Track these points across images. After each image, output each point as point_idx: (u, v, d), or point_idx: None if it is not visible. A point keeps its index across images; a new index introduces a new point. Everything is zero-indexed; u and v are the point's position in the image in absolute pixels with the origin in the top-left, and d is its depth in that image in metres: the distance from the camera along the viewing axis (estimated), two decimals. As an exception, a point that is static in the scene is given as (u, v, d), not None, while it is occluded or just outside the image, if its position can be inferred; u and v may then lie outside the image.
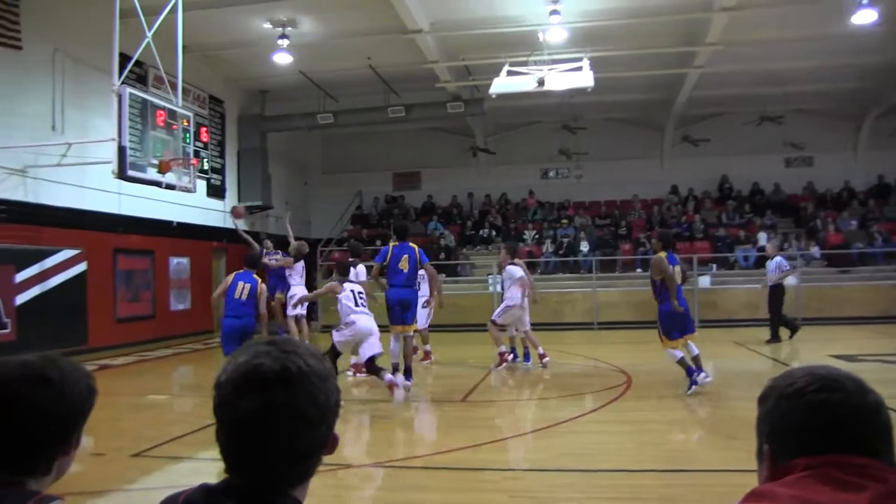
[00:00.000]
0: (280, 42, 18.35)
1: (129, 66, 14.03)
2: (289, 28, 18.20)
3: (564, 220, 26.21)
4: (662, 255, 10.51)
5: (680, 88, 23.18)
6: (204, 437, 7.97)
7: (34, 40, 14.80)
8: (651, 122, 27.42)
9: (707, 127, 26.89)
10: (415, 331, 11.84)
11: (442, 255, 24.15)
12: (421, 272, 11.84)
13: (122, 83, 13.23)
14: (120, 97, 12.89)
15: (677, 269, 10.63)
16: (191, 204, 19.64)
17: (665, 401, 10.19)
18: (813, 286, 20.91)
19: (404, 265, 11.06)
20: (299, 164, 28.72)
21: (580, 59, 17.18)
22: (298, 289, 14.76)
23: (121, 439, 8.19)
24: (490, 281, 22.45)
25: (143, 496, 6.45)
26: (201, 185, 20.38)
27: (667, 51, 20.33)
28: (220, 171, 22.65)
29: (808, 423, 1.60)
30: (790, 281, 17.87)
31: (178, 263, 20.02)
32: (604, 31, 18.53)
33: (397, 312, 10.99)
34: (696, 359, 10.52)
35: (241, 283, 11.15)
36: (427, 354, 14.32)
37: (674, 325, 10.50)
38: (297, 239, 16.29)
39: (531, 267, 23.92)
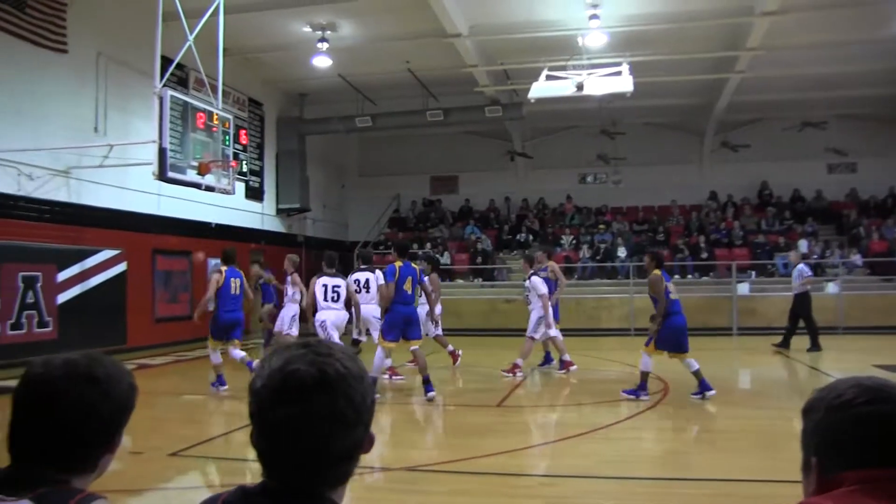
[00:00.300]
0: (319, 45, 18.46)
1: (171, 69, 14.16)
2: (328, 31, 18.30)
3: (602, 226, 26.07)
4: (658, 272, 10.64)
5: (720, 93, 22.95)
6: (240, 438, 8.01)
7: (78, 43, 15.05)
8: (690, 127, 27.19)
9: (747, 132, 26.59)
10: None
11: (479, 260, 24.12)
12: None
13: (164, 86, 13.34)
14: (161, 99, 13.00)
15: (671, 285, 10.76)
16: (229, 206, 19.81)
17: (702, 409, 10.07)
18: (856, 294, 20.57)
19: (408, 286, 11.27)
20: (337, 166, 28.84)
21: (620, 64, 17.06)
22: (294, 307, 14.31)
23: (158, 438, 8.25)
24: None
25: (180, 495, 6.49)
26: (240, 187, 20.52)
27: (707, 55, 20.11)
28: (259, 174, 22.82)
29: (857, 435, 1.56)
30: (832, 289, 17.58)
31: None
32: (644, 35, 18.40)
33: (399, 330, 11.12)
34: (696, 373, 10.56)
35: (233, 280, 11.92)
36: (454, 355, 14.30)
37: (669, 340, 10.55)
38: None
39: (568, 273, 23.92)
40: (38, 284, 14.13)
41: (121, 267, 16.14)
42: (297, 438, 1.43)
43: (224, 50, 14.64)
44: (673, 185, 26.94)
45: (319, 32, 18.30)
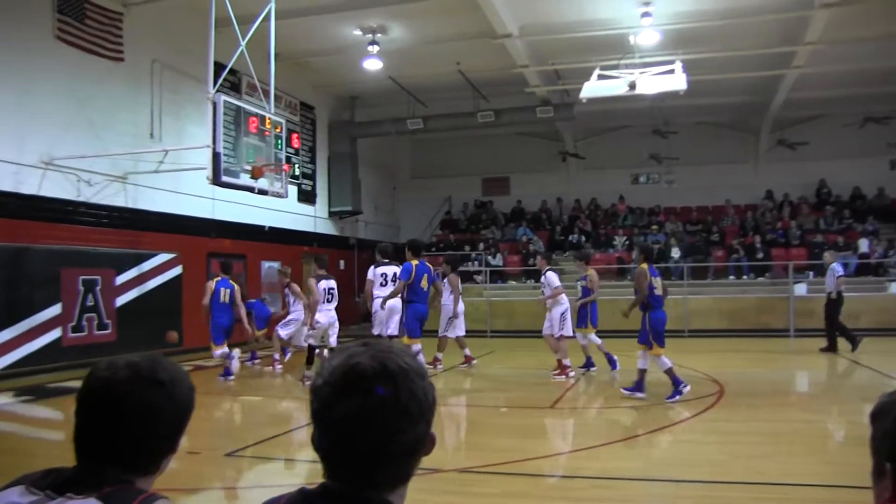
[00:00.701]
0: (370, 48, 18.57)
1: (224, 75, 14.35)
2: (379, 34, 18.39)
3: (655, 226, 25.82)
4: (644, 266, 10.78)
5: (776, 90, 22.59)
6: (295, 439, 8.08)
7: (134, 51, 15.37)
8: (745, 125, 26.80)
9: (805, 130, 26.09)
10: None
11: (531, 262, 24.04)
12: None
13: (217, 91, 13.52)
14: (214, 105, 13.18)
15: (658, 280, 10.85)
16: (282, 209, 20.00)
17: (758, 411, 9.91)
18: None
19: (424, 283, 11.70)
20: (389, 169, 28.98)
21: (672, 62, 16.88)
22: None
23: (215, 439, 8.35)
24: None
25: (237, 495, 6.56)
26: (292, 190, 20.74)
27: (763, 52, 19.75)
28: (311, 177, 23.01)
29: None
30: (895, 289, 17.15)
31: (270, 267, 20.38)
32: (697, 32, 18.16)
33: (418, 326, 11.61)
34: (642, 372, 10.73)
35: (223, 290, 13.03)
36: (469, 359, 14.34)
37: (661, 332, 10.61)
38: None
39: (620, 274, 23.73)
40: (98, 288, 14.44)
41: (176, 270, 16.40)
42: (360, 432, 1.42)
43: (276, 55, 14.79)
44: (727, 185, 26.56)
45: (370, 35, 18.40)
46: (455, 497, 6.22)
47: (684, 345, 18.93)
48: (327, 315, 12.35)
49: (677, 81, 16.57)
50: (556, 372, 12.88)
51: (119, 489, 1.55)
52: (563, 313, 13.16)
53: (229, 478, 7.12)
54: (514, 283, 24.60)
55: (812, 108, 25.30)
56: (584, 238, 25.96)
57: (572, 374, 12.83)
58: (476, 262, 24.70)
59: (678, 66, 16.68)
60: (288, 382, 13.24)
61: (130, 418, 1.60)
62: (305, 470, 6.89)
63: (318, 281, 12.33)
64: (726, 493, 6.12)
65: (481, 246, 25.66)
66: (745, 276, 22.91)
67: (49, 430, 9.50)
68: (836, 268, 16.46)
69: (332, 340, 12.35)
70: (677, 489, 6.29)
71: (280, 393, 12.66)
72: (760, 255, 23.19)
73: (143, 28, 15.62)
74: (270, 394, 12.56)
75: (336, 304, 12.58)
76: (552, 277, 13.42)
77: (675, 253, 23.67)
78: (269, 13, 14.21)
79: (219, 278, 13.13)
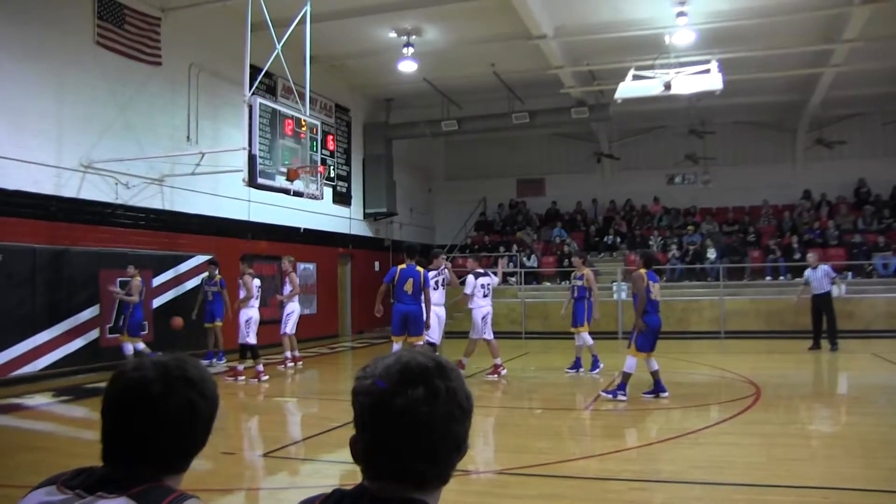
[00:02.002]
0: (405, 50, 18.62)
1: (259, 78, 14.48)
2: (414, 36, 18.44)
3: (691, 227, 25.61)
4: (643, 271, 10.80)
5: (814, 89, 22.33)
6: (329, 440, 8.11)
7: (172, 55, 15.55)
8: (783, 124, 26.52)
9: (843, 128, 25.77)
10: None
11: (566, 263, 23.95)
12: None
13: (253, 94, 13.62)
14: (251, 107, 13.27)
15: (656, 286, 10.87)
16: (317, 211, 20.11)
17: (796, 413, 9.81)
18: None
19: (409, 287, 12.08)
20: (423, 170, 29.04)
21: (708, 62, 16.73)
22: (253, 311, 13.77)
23: (250, 439, 8.42)
24: (614, 288, 22.12)
25: (271, 495, 6.60)
26: (327, 192, 20.84)
27: (801, 50, 19.54)
28: (346, 179, 23.11)
29: None
30: (836, 291, 17.20)
31: (305, 269, 20.49)
32: (733, 31, 18.00)
33: (400, 325, 12.22)
34: (654, 373, 10.74)
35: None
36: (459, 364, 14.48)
37: (649, 339, 10.63)
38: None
39: (658, 274, 23.53)
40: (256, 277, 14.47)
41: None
42: (423, 421, 1.46)
43: (311, 57, 14.87)
44: (764, 185, 26.32)
45: (405, 37, 18.45)
46: (492, 499, 6.21)
47: (721, 346, 18.80)
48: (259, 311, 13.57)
49: (713, 81, 16.43)
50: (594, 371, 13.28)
51: (149, 488, 1.57)
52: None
53: (264, 478, 7.16)
54: (548, 284, 24.52)
55: (850, 107, 24.98)
56: (619, 239, 25.84)
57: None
58: (511, 264, 24.64)
59: (714, 65, 16.53)
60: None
61: (166, 418, 1.61)
62: (338, 471, 6.92)
63: (253, 279, 13.56)
64: (766, 497, 6.06)
65: (515, 247, 25.61)
66: (782, 277, 22.66)
67: (86, 430, 9.62)
68: (830, 269, 17.01)
69: None
70: (716, 492, 6.24)
71: (315, 395, 12.74)
72: (798, 256, 22.93)
73: (181, 32, 15.80)
74: (306, 396, 12.63)
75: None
76: (591, 276, 13.64)
77: (712, 254, 23.46)
78: (304, 16, 14.29)
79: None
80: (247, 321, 13.35)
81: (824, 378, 13.88)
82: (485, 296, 13.38)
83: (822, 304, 16.74)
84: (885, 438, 8.25)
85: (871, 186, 25.82)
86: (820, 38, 18.84)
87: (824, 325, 16.72)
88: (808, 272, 17.02)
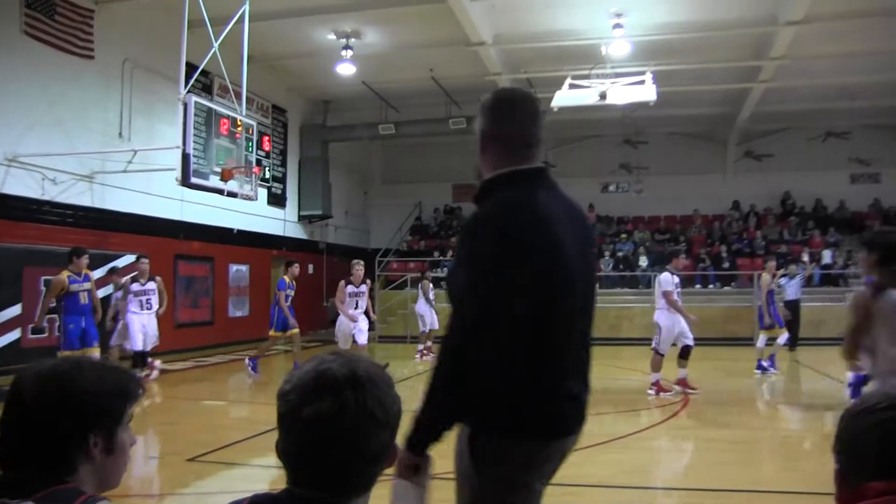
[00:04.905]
0: (344, 53, 18.53)
1: (196, 76, 14.26)
2: (353, 39, 18.36)
3: (623, 235, 25.97)
4: None
5: (744, 103, 22.86)
6: (259, 444, 8.02)
7: (105, 49, 15.22)
8: (714, 136, 27.07)
9: (771, 142, 26.44)
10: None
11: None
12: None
13: (188, 92, 13.44)
14: (185, 105, 13.09)
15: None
16: (251, 212, 19.89)
17: (723, 418, 10.01)
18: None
19: None
20: (360, 173, 28.92)
21: (643, 73, 17.02)
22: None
23: (177, 444, 8.28)
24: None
25: (198, 500, 6.50)
26: (262, 193, 20.63)
27: (731, 65, 20.02)
28: (282, 180, 22.91)
29: (880, 443, 1.50)
30: (790, 294, 18.03)
31: (238, 271, 20.26)
32: (667, 44, 18.31)
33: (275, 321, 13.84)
34: None
35: None
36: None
37: None
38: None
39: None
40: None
41: (143, 271, 16.21)
42: (328, 434, 1.46)
43: (249, 57, 14.74)
44: (695, 195, 26.82)
45: (344, 40, 18.36)
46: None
47: (651, 353, 19.03)
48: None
49: (647, 92, 16.71)
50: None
51: (55, 491, 1.53)
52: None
53: (190, 483, 7.05)
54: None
55: (778, 122, 25.63)
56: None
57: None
58: (445, 269, 24.67)
59: (648, 77, 16.82)
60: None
61: (41, 414, 1.59)
62: (268, 475, 6.85)
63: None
64: (695, 500, 6.17)
65: (450, 253, 25.65)
66: (711, 286, 23.13)
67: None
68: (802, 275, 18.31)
69: None
70: (645, 496, 6.33)
71: (245, 397, 12.61)
72: (727, 265, 23.44)
73: (115, 26, 15.48)
74: (236, 398, 12.49)
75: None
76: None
77: (643, 262, 23.83)
78: (243, 15, 14.16)
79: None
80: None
81: (750, 384, 14.17)
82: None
83: (794, 309, 17.59)
84: (804, 441, 8.49)
85: (795, 198, 26.61)
86: (750, 55, 19.32)
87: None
88: (783, 280, 17.67)
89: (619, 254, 24.70)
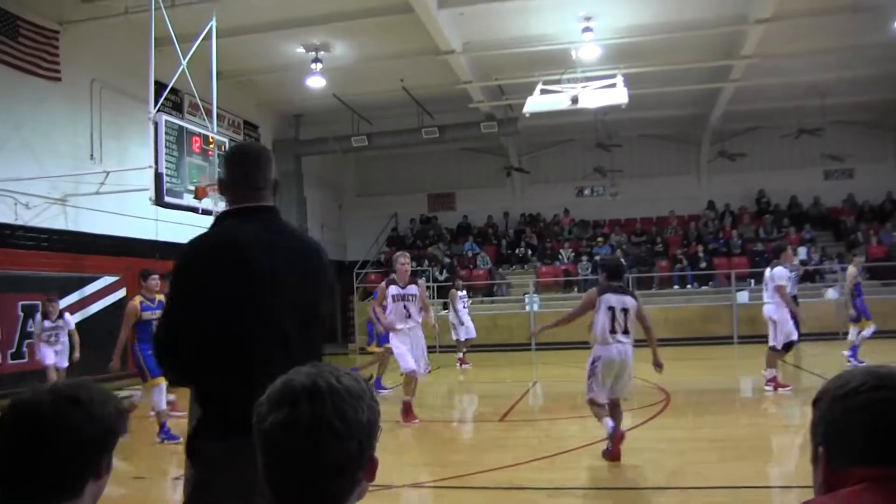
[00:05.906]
0: (313, 66, 18.47)
1: (165, 94, 14.19)
2: (322, 52, 18.32)
3: (600, 238, 26.06)
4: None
5: (716, 103, 23.01)
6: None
7: (72, 71, 15.08)
8: (687, 137, 27.23)
9: (744, 141, 26.58)
10: None
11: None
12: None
13: (159, 111, 13.36)
14: (156, 125, 13.00)
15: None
16: (227, 229, 19.73)
17: (705, 418, 10.05)
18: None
19: None
20: (334, 186, 28.86)
21: (614, 76, 17.11)
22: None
23: (161, 463, 8.22)
24: (526, 300, 22.35)
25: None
26: (238, 209, 20.48)
27: (702, 65, 20.14)
28: (256, 196, 22.76)
29: (862, 423, 1.45)
30: (831, 294, 17.77)
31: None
32: (637, 47, 18.40)
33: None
34: None
35: None
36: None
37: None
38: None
39: (568, 286, 23.95)
40: (38, 313, 14.07)
41: (120, 293, 16.06)
42: (286, 446, 1.44)
43: (218, 73, 14.67)
44: (670, 196, 26.95)
45: (313, 53, 18.30)
46: (406, 513, 6.19)
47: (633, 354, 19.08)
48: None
49: (619, 95, 16.79)
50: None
51: None
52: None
53: (175, 503, 6.99)
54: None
55: (750, 121, 25.82)
56: (530, 252, 26.12)
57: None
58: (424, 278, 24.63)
59: (619, 80, 16.91)
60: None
61: (48, 439, 1.59)
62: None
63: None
64: (677, 498, 6.18)
65: (426, 263, 25.61)
66: (689, 286, 23.25)
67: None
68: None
69: None
70: (627, 497, 6.33)
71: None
72: (703, 265, 23.57)
73: (82, 47, 15.35)
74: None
75: None
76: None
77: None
78: (210, 31, 14.10)
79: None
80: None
81: (730, 382, 14.24)
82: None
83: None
84: (786, 438, 8.54)
85: (770, 196, 26.77)
86: (720, 55, 19.45)
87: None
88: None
89: (597, 257, 24.74)
